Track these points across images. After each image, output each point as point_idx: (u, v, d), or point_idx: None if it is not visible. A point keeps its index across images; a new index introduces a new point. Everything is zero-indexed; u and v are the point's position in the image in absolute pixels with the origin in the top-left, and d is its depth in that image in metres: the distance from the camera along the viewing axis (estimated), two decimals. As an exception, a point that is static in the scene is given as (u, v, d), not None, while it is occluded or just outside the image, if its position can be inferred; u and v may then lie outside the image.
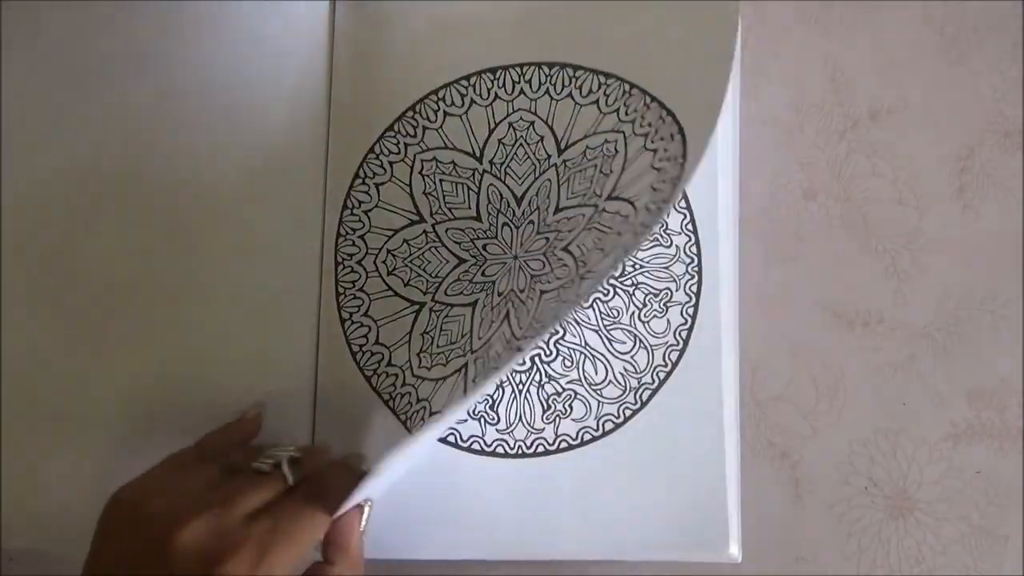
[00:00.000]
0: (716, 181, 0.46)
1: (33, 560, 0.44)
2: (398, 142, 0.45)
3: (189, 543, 0.31)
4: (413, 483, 0.43)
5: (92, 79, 0.43)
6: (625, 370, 0.44)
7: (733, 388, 0.45)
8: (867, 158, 0.48)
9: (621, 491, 0.43)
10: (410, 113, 0.45)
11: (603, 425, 0.44)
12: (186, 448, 0.38)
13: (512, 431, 0.44)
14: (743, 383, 0.46)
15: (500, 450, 0.43)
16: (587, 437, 0.44)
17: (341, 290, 0.44)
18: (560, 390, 0.44)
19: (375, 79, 0.45)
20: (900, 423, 0.47)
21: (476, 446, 0.43)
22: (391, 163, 0.45)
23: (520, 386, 0.44)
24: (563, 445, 0.44)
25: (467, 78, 0.45)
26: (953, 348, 0.47)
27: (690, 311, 0.45)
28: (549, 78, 0.45)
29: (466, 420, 0.43)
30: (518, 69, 0.45)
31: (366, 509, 0.36)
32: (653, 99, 0.43)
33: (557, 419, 0.44)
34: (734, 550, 0.43)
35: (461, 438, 0.43)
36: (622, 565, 0.45)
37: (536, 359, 0.44)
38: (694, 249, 0.45)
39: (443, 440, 0.43)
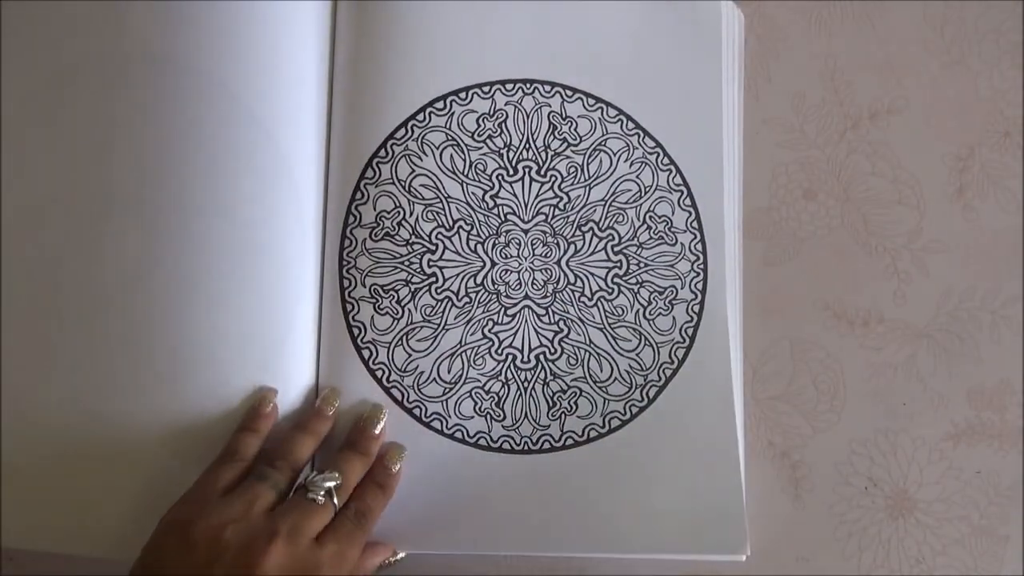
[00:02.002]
0: (721, 178, 0.46)
1: (33, 560, 0.44)
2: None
3: (273, 566, 0.35)
4: (418, 478, 0.43)
5: (92, 79, 0.43)
6: (631, 367, 0.44)
7: (739, 385, 0.45)
8: (867, 158, 0.48)
9: (630, 489, 0.43)
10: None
11: (609, 422, 0.44)
12: (220, 463, 0.40)
13: (518, 428, 0.44)
14: (743, 383, 0.46)
15: (506, 446, 0.44)
16: (593, 434, 0.44)
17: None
18: (565, 387, 0.44)
19: (376, 79, 0.45)
20: (900, 423, 0.47)
21: (483, 442, 0.43)
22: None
23: (525, 383, 0.44)
24: (569, 442, 0.44)
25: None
26: (953, 348, 0.47)
27: (696, 308, 0.45)
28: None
29: (472, 417, 0.44)
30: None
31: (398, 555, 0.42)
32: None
33: (563, 416, 0.44)
34: (747, 549, 0.43)
35: (468, 434, 0.43)
36: (623, 563, 0.45)
37: (541, 357, 0.44)
38: (699, 247, 0.45)
39: (450, 436, 0.43)
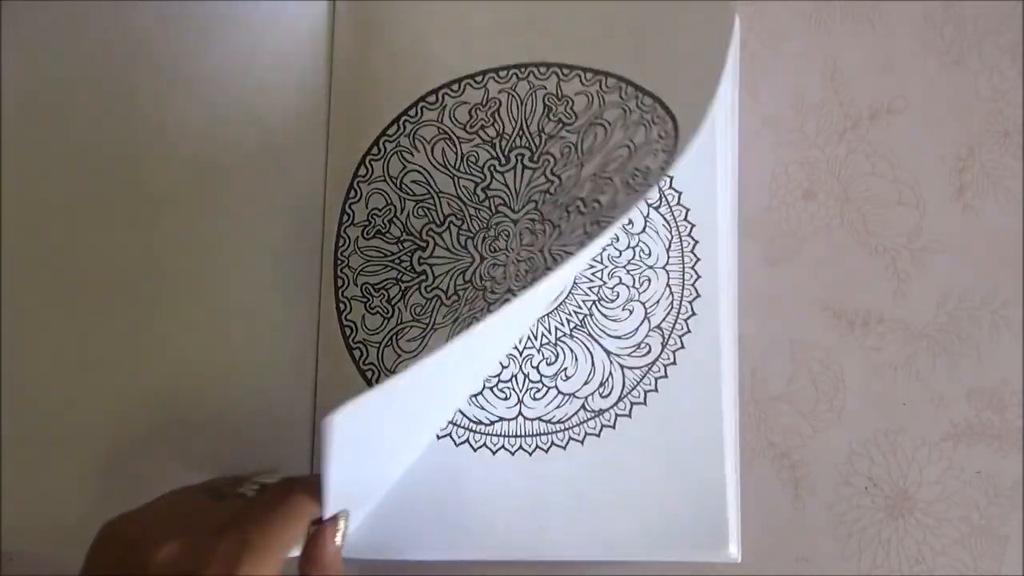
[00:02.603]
0: (715, 179, 0.46)
1: (33, 560, 0.44)
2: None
3: (164, 565, 0.31)
4: (407, 482, 0.43)
5: (92, 79, 0.43)
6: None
7: (732, 387, 0.45)
8: (867, 158, 0.48)
9: (619, 491, 0.43)
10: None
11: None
12: (189, 487, 0.38)
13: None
14: (743, 383, 0.46)
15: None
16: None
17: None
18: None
19: (375, 79, 0.45)
20: (900, 423, 0.47)
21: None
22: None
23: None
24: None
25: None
26: (953, 348, 0.47)
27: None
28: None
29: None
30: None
31: (342, 522, 0.35)
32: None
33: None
34: (733, 550, 0.43)
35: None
36: (620, 566, 0.45)
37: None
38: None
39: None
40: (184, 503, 0.35)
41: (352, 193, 0.44)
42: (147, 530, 0.33)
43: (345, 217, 0.44)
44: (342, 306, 0.44)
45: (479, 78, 0.45)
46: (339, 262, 0.44)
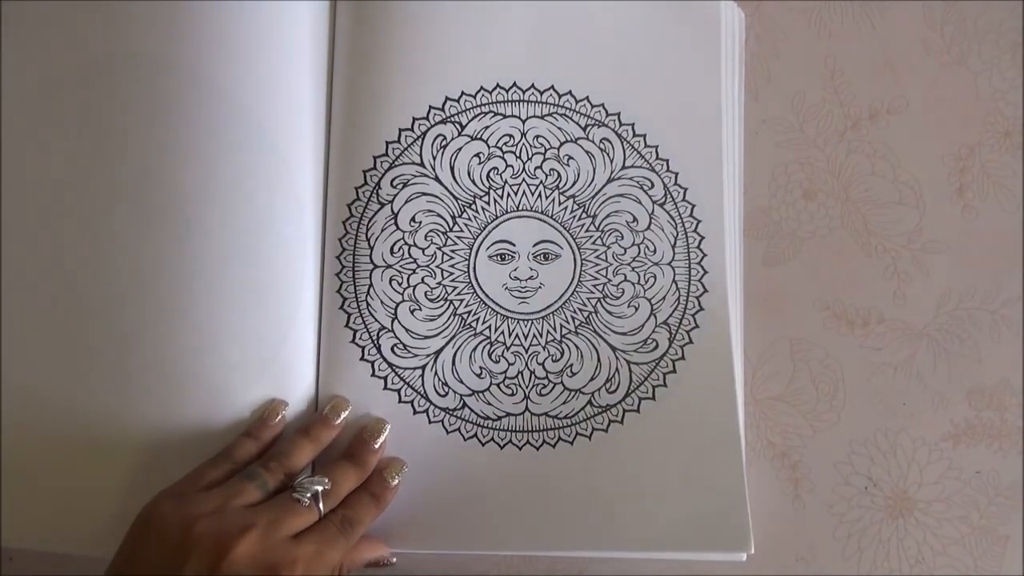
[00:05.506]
0: (721, 174, 0.46)
1: (33, 560, 0.44)
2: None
3: (244, 555, 0.34)
4: (416, 476, 0.43)
5: (92, 79, 0.43)
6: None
7: (741, 381, 0.45)
8: (867, 158, 0.48)
9: (627, 485, 0.43)
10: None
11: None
12: (209, 461, 0.40)
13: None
14: (743, 383, 0.46)
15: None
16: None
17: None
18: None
19: (376, 79, 0.45)
20: (900, 423, 0.47)
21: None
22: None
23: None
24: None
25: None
26: (953, 348, 0.47)
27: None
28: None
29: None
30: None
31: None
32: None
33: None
34: (751, 547, 0.43)
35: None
36: (623, 563, 0.45)
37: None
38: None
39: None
40: (235, 493, 0.37)
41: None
42: (217, 523, 0.35)
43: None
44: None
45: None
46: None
